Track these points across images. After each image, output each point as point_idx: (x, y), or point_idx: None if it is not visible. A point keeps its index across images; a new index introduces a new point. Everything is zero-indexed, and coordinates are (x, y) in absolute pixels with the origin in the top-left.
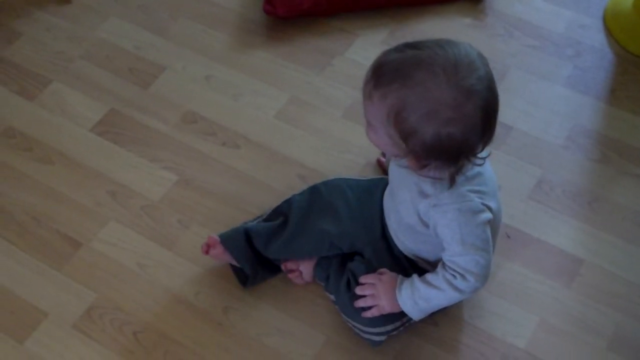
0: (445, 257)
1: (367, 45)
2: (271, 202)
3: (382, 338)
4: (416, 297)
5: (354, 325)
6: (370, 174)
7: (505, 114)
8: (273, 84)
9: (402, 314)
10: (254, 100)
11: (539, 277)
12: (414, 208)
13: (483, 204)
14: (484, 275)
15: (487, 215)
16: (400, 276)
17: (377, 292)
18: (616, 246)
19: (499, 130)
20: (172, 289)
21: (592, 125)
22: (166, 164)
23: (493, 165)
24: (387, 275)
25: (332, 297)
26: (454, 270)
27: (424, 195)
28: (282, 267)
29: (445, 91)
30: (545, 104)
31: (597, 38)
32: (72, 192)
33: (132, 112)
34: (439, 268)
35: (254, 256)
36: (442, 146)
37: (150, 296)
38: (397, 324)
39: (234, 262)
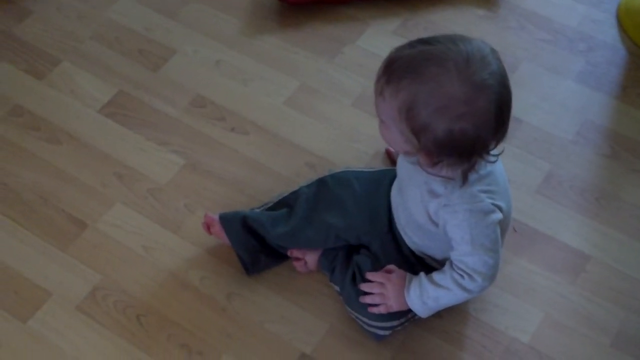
0: (454, 256)
1: (378, 34)
2: (278, 189)
3: (387, 332)
4: (424, 298)
5: (358, 318)
6: (379, 163)
7: (515, 108)
8: (283, 70)
9: (408, 310)
10: (263, 86)
11: (544, 272)
12: (423, 207)
13: (493, 204)
14: (492, 275)
15: (498, 215)
16: (408, 275)
17: (385, 292)
18: (623, 243)
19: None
20: (176, 273)
21: (602, 121)
22: (174, 147)
23: (502, 157)
24: (395, 274)
25: (337, 288)
26: (462, 271)
27: (434, 194)
28: (289, 253)
29: (457, 86)
30: (555, 99)
31: (610, 33)
32: (78, 172)
33: (141, 95)
34: (447, 267)
35: (257, 243)
36: (455, 142)
37: (154, 279)
38: (402, 319)
39: (229, 244)
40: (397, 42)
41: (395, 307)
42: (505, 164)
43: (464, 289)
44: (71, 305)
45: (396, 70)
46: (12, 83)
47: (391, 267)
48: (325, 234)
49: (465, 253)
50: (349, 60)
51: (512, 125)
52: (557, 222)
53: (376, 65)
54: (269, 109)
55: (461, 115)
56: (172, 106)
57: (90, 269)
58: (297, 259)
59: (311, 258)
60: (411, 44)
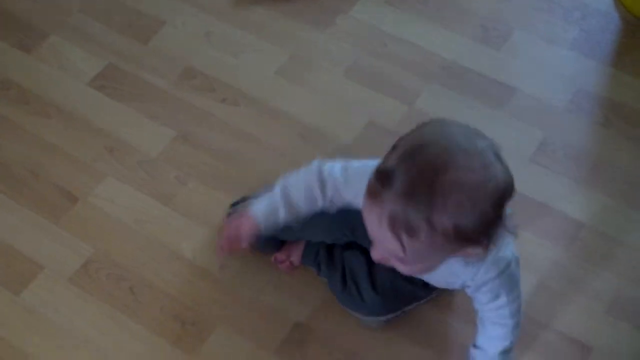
0: (488, 313)
1: (371, 4)
2: (269, 160)
3: (381, 324)
4: None
5: (353, 314)
6: (371, 134)
7: (509, 76)
8: (274, 41)
9: (404, 304)
10: (254, 57)
11: (538, 240)
12: (444, 281)
13: (508, 251)
14: (520, 298)
15: (515, 257)
16: None
17: None
18: (617, 210)
19: (502, 91)
20: (169, 245)
21: (596, 88)
22: (164, 119)
23: (495, 126)
24: None
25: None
26: (501, 320)
27: (455, 275)
28: (272, 259)
29: (478, 173)
30: (549, 67)
31: (603, 1)
32: (69, 146)
33: (130, 67)
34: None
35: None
36: (491, 220)
37: (146, 252)
38: (398, 312)
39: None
40: (390, 12)
41: None
42: (499, 132)
43: (514, 327)
44: (64, 278)
45: (417, 201)
46: (1, 57)
47: None
48: (328, 234)
49: (502, 305)
50: (341, 30)
51: (505, 93)
52: (551, 190)
53: (370, 35)
54: (260, 79)
55: (492, 193)
56: (162, 78)
57: (82, 242)
58: (282, 261)
59: (296, 256)
60: (406, 162)
